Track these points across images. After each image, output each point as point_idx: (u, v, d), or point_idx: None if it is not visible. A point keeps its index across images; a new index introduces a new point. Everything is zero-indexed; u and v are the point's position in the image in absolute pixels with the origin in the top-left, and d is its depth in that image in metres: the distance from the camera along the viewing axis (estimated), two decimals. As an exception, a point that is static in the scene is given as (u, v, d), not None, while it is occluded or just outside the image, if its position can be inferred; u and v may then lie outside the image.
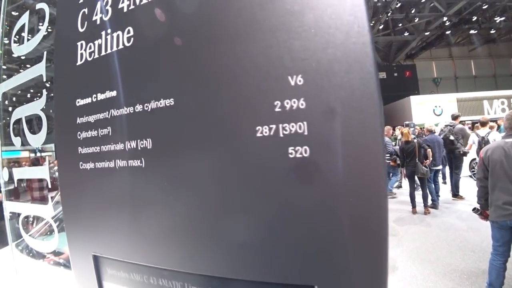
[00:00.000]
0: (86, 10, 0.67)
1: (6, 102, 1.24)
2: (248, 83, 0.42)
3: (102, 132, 0.63)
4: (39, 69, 0.93)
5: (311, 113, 0.38)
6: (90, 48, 0.65)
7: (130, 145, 0.58)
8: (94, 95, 0.64)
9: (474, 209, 2.32)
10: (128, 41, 0.58)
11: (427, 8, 14.36)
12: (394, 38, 17.23)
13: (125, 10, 0.59)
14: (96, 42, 0.64)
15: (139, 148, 0.56)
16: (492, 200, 2.06)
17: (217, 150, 0.46)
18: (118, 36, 0.59)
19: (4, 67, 1.23)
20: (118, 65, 0.59)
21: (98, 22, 0.64)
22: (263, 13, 0.42)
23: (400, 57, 18.89)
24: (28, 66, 1.00)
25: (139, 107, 0.55)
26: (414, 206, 5.33)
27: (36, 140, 0.97)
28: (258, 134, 0.41)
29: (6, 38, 1.14)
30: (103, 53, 0.62)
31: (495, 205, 2.02)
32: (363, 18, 0.37)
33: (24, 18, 1.00)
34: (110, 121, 0.61)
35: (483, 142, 5.14)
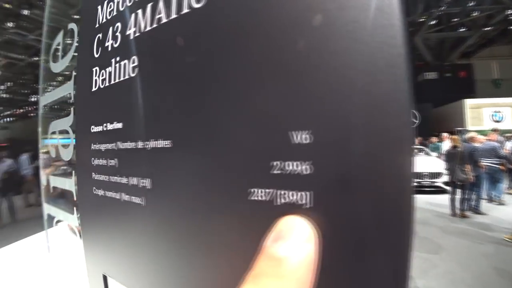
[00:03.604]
0: (100, 35, 0.66)
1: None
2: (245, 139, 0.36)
3: (110, 162, 0.62)
4: (68, 88, 0.97)
5: (317, 180, 0.30)
6: (102, 75, 0.64)
7: (132, 182, 0.55)
8: (105, 124, 0.63)
9: None
10: (133, 71, 0.55)
11: (488, 0, 12.79)
12: (447, 35, 15.67)
13: (131, 37, 0.56)
14: (108, 70, 0.62)
15: (140, 186, 0.53)
16: None
17: (208, 203, 0.40)
18: (125, 65, 0.57)
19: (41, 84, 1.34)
20: (124, 96, 0.57)
21: (109, 49, 0.62)
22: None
23: (455, 56, 17.10)
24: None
25: (140, 144, 0.52)
26: (453, 209, 5.79)
27: (66, 154, 1.02)
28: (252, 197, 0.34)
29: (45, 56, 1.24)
30: (112, 81, 0.61)
31: None
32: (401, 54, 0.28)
33: (59, 38, 1.06)
34: (117, 153, 0.59)
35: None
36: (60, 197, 1.19)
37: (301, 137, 0.32)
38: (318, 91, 0.31)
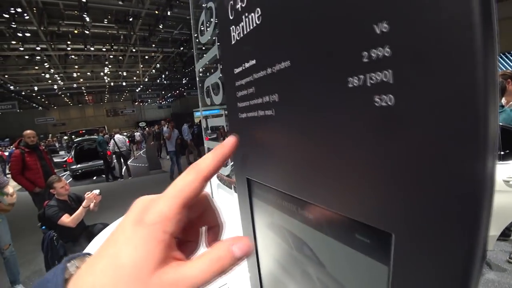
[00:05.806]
0: (232, 1, 0.91)
1: (201, 75, 1.86)
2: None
3: (249, 91, 0.89)
4: (214, 51, 1.33)
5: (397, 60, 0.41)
6: (237, 30, 0.90)
7: (264, 100, 0.79)
8: (243, 65, 0.90)
9: None
10: (258, 20, 0.76)
11: None
12: None
13: (253, -6, 0.77)
14: (240, 25, 0.87)
15: (270, 101, 0.77)
16: None
17: (323, 100, 0.57)
18: (251, 17, 0.79)
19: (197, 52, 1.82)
20: (254, 40, 0.80)
21: (239, 9, 0.86)
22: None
23: None
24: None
25: (269, 70, 0.74)
26: None
27: (218, 99, 1.43)
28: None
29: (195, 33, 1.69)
30: (244, 32, 0.85)
31: None
32: None
33: (202, 16, 1.43)
34: (253, 82, 0.85)
35: None
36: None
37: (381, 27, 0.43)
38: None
